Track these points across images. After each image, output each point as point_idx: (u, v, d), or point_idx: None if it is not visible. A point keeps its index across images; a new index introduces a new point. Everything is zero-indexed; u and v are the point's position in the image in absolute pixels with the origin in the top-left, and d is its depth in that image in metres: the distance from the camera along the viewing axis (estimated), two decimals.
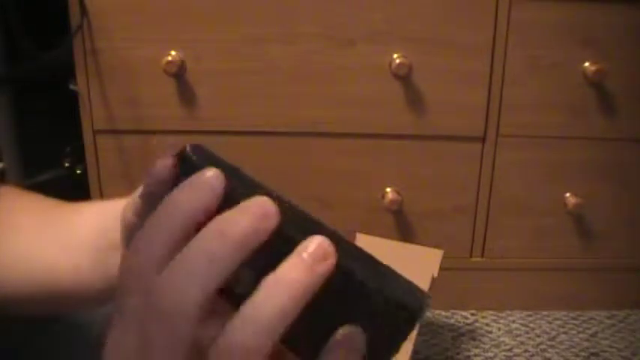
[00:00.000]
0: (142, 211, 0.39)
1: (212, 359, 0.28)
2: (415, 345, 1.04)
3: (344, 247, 0.30)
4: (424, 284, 1.15)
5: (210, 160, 0.31)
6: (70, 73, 1.25)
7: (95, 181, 1.31)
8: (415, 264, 1.19)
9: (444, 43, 1.23)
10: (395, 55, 1.22)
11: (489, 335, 1.38)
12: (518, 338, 1.37)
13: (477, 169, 1.32)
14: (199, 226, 0.30)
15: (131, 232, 0.41)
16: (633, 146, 1.32)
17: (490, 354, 1.33)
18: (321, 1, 1.21)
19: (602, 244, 1.39)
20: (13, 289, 0.47)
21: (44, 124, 1.49)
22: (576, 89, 1.26)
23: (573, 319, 1.43)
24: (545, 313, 1.44)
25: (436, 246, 1.23)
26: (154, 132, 1.26)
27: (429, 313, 1.41)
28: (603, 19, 1.23)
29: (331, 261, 0.29)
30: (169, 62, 1.20)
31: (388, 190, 1.32)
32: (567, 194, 1.34)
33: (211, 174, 0.30)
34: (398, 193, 1.32)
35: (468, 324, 1.41)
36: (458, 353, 1.33)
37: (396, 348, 0.30)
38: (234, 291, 0.30)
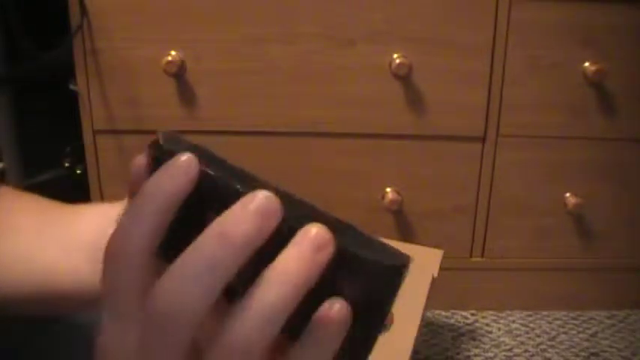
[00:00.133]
0: None
1: (213, 354, 0.28)
2: (415, 345, 1.04)
3: (337, 226, 0.30)
4: (424, 284, 1.15)
5: (183, 146, 0.31)
6: (70, 73, 1.25)
7: (95, 181, 1.31)
8: (415, 264, 1.18)
9: (444, 43, 1.23)
10: (395, 55, 1.22)
11: (489, 335, 1.38)
12: (518, 338, 1.37)
13: (477, 169, 1.32)
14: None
15: None
16: (633, 146, 1.32)
17: (490, 354, 1.33)
18: (321, 1, 1.21)
19: (602, 244, 1.39)
20: (12, 290, 0.47)
21: (44, 124, 1.49)
22: (576, 89, 1.26)
23: (573, 319, 1.43)
24: (545, 313, 1.44)
25: (436, 246, 1.23)
26: (154, 132, 1.25)
27: (429, 315, 1.41)
28: (603, 19, 1.22)
29: (329, 249, 0.29)
30: (169, 62, 1.20)
31: (388, 190, 1.32)
32: (567, 194, 1.34)
33: (184, 158, 0.30)
34: (398, 193, 1.32)
35: (468, 324, 1.41)
36: (458, 353, 1.33)
37: (383, 314, 0.30)
38: (230, 284, 0.30)
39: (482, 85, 1.26)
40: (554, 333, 1.39)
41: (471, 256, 1.40)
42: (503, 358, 1.32)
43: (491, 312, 1.44)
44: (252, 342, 0.28)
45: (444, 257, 1.20)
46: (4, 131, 1.39)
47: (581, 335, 1.38)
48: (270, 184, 0.30)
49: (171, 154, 0.31)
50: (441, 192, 1.34)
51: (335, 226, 0.30)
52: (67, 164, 1.51)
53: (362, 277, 0.29)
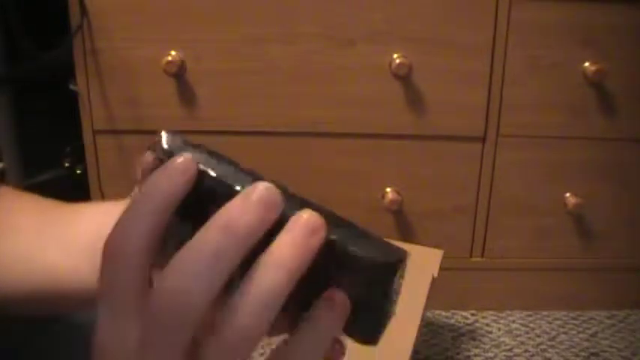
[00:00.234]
0: None
1: (213, 344, 0.28)
2: (415, 345, 1.04)
3: (328, 217, 0.30)
4: (424, 284, 1.15)
5: (184, 146, 0.32)
6: (70, 73, 1.25)
7: (95, 181, 1.31)
8: (415, 264, 1.18)
9: (444, 43, 1.23)
10: (395, 55, 1.22)
11: (489, 335, 1.38)
12: (518, 338, 1.37)
13: (477, 169, 1.32)
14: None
15: None
16: (633, 146, 1.32)
17: (490, 354, 1.33)
18: (321, 1, 1.21)
19: (602, 244, 1.39)
20: (12, 290, 0.47)
21: (44, 124, 1.49)
22: (576, 89, 1.26)
23: (573, 319, 1.43)
24: (545, 313, 1.44)
25: (436, 246, 1.23)
26: (154, 132, 1.25)
27: (429, 315, 1.41)
28: (603, 19, 1.22)
29: (321, 234, 0.29)
30: (169, 62, 1.20)
31: (388, 190, 1.32)
32: (567, 194, 1.34)
33: (180, 160, 0.30)
34: (398, 193, 1.32)
35: (468, 324, 1.41)
36: (458, 353, 1.33)
37: (383, 310, 0.30)
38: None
39: (482, 85, 1.26)
40: (554, 333, 1.39)
41: (471, 256, 1.40)
42: (503, 358, 1.32)
43: (491, 312, 1.44)
44: (251, 328, 0.28)
45: (444, 257, 1.20)
46: (4, 131, 1.39)
47: (581, 335, 1.38)
48: (273, 181, 0.31)
49: (170, 155, 0.31)
50: (441, 192, 1.34)
51: (331, 219, 0.30)
52: (67, 164, 1.52)
53: (356, 274, 0.30)
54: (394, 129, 1.29)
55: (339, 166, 1.32)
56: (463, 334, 1.38)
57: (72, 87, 1.25)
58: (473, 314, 1.44)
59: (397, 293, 0.31)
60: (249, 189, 0.29)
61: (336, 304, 0.30)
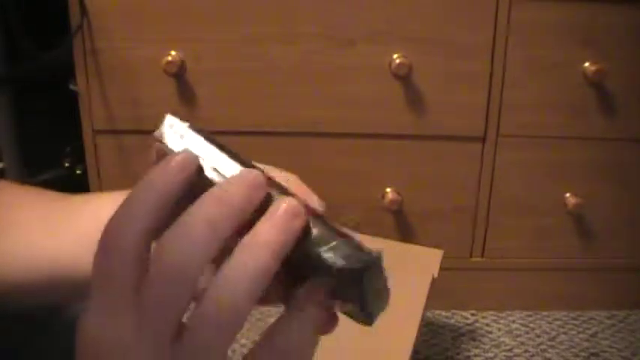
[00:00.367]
0: None
1: (197, 318, 0.29)
2: (415, 345, 1.04)
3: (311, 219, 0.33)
4: (424, 284, 1.15)
5: (183, 135, 0.35)
6: (70, 73, 1.25)
7: (95, 181, 1.31)
8: (415, 264, 1.19)
9: (444, 43, 1.23)
10: (395, 55, 1.22)
11: (489, 335, 1.38)
12: (518, 338, 1.37)
13: (477, 169, 1.32)
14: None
15: None
16: (633, 146, 1.32)
17: (490, 354, 1.33)
18: (321, 1, 1.21)
19: (602, 244, 1.39)
20: (16, 280, 0.47)
21: (44, 124, 1.49)
22: (576, 89, 1.26)
23: (573, 319, 1.43)
24: (545, 313, 1.45)
25: (436, 246, 1.23)
26: (154, 132, 1.25)
27: (429, 315, 1.41)
28: (603, 19, 1.22)
29: (302, 218, 0.31)
30: (169, 62, 1.20)
31: (388, 190, 1.32)
32: (567, 194, 1.34)
33: (178, 158, 0.32)
34: (398, 193, 1.32)
35: (468, 324, 1.41)
36: (458, 353, 1.33)
37: (362, 303, 0.32)
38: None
39: (482, 85, 1.26)
40: (554, 333, 1.39)
41: (470, 256, 1.40)
42: (503, 358, 1.32)
43: (491, 312, 1.44)
44: (235, 304, 0.29)
45: (444, 257, 1.20)
46: (4, 131, 1.39)
47: (581, 335, 1.38)
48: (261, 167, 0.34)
49: (170, 150, 0.34)
50: (441, 192, 1.34)
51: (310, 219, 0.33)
52: (67, 164, 1.52)
53: (330, 277, 0.32)
54: (394, 129, 1.29)
55: (339, 166, 1.32)
56: (463, 334, 1.38)
57: (72, 87, 1.25)
58: (473, 314, 1.44)
59: (381, 291, 0.33)
60: (239, 173, 0.32)
61: (312, 296, 0.32)
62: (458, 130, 1.29)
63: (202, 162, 0.33)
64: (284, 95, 1.26)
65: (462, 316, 1.44)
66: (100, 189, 1.31)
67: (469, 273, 1.41)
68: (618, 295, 1.45)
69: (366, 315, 0.32)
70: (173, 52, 1.21)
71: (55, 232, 0.47)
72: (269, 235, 0.30)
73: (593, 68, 1.23)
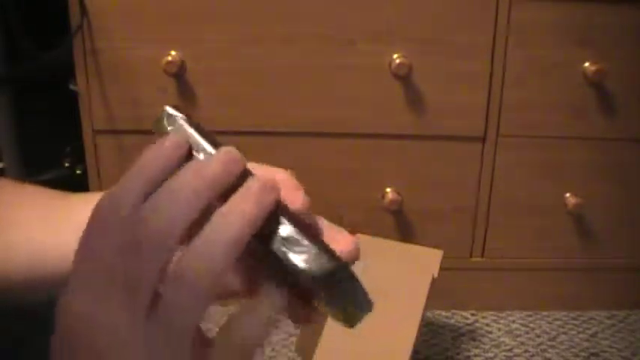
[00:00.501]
0: None
1: (171, 283, 0.31)
2: (415, 345, 1.04)
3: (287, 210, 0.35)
4: (424, 284, 1.15)
5: (179, 126, 0.37)
6: (70, 73, 1.25)
7: (95, 181, 1.31)
8: (415, 264, 1.19)
9: (444, 43, 1.23)
10: (395, 55, 1.22)
11: (489, 335, 1.38)
12: (518, 338, 1.37)
13: (477, 169, 1.32)
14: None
15: None
16: (633, 146, 1.32)
17: (490, 354, 1.33)
18: (321, 1, 1.21)
19: (602, 244, 1.39)
20: (14, 278, 0.47)
21: (44, 124, 1.49)
22: (576, 89, 1.26)
23: (573, 319, 1.43)
24: (545, 313, 1.44)
25: (436, 246, 1.23)
26: (153, 132, 1.25)
27: (429, 315, 1.41)
28: (603, 19, 1.22)
29: (276, 193, 0.34)
30: (169, 62, 1.20)
31: (388, 190, 1.32)
32: (567, 194, 1.34)
33: (167, 144, 0.35)
34: (398, 193, 1.32)
35: (468, 324, 1.41)
36: (458, 353, 1.33)
37: (336, 305, 0.34)
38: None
39: (482, 85, 1.26)
40: (554, 333, 1.39)
41: (470, 256, 1.40)
42: (503, 358, 1.32)
43: (491, 312, 1.44)
44: (208, 269, 0.31)
45: (444, 257, 1.20)
46: (4, 131, 1.39)
47: (581, 335, 1.38)
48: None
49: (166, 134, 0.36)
50: (441, 192, 1.34)
51: (284, 209, 0.35)
52: (67, 164, 1.52)
53: (299, 281, 0.33)
54: (394, 129, 1.29)
55: (339, 166, 1.32)
56: (463, 334, 1.38)
57: (72, 87, 1.25)
58: (473, 314, 1.44)
59: (356, 295, 0.34)
60: (218, 150, 0.35)
61: (272, 298, 0.34)
62: (458, 130, 1.29)
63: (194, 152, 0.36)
64: (284, 95, 1.26)
65: (462, 316, 1.44)
66: (100, 189, 1.31)
67: (469, 273, 1.41)
68: (618, 295, 1.45)
69: (340, 318, 0.33)
70: (173, 52, 1.21)
71: (56, 230, 0.48)
72: (245, 204, 0.32)
73: (593, 68, 1.23)
